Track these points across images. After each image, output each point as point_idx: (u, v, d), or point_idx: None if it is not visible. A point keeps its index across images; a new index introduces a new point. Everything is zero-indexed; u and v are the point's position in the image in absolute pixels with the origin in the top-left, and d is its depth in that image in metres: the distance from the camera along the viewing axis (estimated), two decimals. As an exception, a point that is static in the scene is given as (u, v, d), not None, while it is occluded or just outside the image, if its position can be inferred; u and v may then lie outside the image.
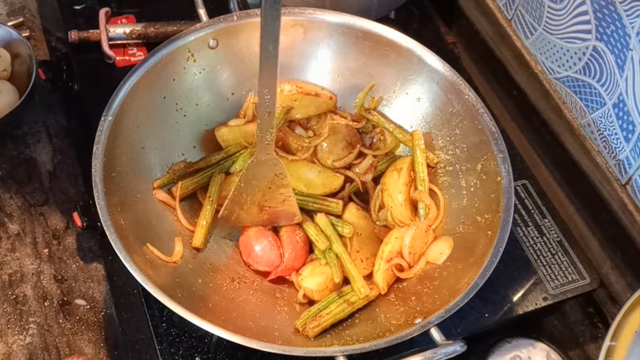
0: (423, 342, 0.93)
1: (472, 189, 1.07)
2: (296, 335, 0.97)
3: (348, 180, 1.13)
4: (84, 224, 1.10)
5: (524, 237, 1.13)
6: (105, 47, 1.24)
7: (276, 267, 1.03)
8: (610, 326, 0.98)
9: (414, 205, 1.10)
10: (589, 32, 1.11)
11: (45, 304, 1.13)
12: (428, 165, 1.11)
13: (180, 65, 1.10)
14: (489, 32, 1.38)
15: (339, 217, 1.07)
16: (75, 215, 1.11)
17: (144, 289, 0.89)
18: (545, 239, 1.13)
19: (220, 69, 1.14)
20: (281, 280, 1.04)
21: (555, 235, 1.14)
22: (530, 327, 1.11)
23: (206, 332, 0.87)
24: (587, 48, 1.13)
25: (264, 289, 1.03)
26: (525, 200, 1.17)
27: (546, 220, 1.15)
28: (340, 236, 1.04)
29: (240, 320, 0.96)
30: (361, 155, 1.15)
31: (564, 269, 1.10)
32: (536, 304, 1.07)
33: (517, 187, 1.17)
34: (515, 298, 1.08)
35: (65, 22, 1.30)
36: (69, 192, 1.25)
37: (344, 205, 1.09)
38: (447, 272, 1.01)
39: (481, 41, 1.40)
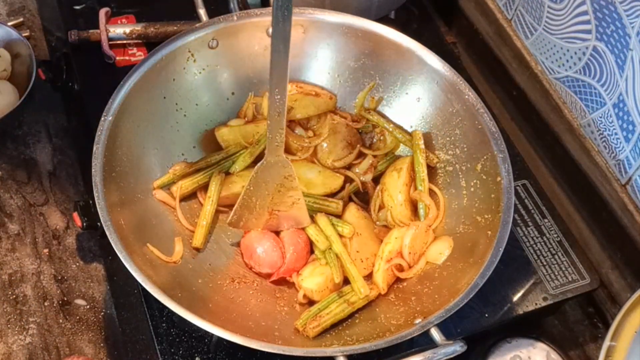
0: (423, 342, 0.93)
1: (472, 189, 1.07)
2: (296, 335, 0.97)
3: (348, 180, 1.13)
4: (84, 224, 1.10)
5: (524, 237, 1.13)
6: (105, 47, 1.24)
7: (278, 268, 1.03)
8: (610, 326, 0.98)
9: (413, 205, 1.10)
10: (589, 32, 1.11)
11: (45, 304, 1.13)
12: (428, 165, 1.11)
13: (180, 65, 1.10)
14: (489, 32, 1.38)
15: (339, 217, 1.07)
16: (75, 215, 1.11)
17: (144, 289, 0.89)
18: (545, 239, 1.13)
19: (220, 69, 1.14)
20: (281, 281, 1.04)
21: (555, 235, 1.14)
22: (530, 327, 1.11)
23: (206, 332, 0.87)
24: (587, 48, 1.13)
25: (264, 289, 1.03)
26: (525, 200, 1.17)
27: (546, 220, 1.15)
28: (340, 236, 1.04)
29: (240, 320, 0.96)
30: (361, 155, 1.15)
31: (564, 269, 1.10)
32: (536, 304, 1.07)
33: (517, 187, 1.17)
34: (515, 298, 1.08)
35: (65, 22, 1.30)
36: (69, 192, 1.25)
37: (344, 205, 1.09)
38: (447, 272, 1.01)
39: (481, 41, 1.40)
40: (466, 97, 1.09)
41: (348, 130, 1.15)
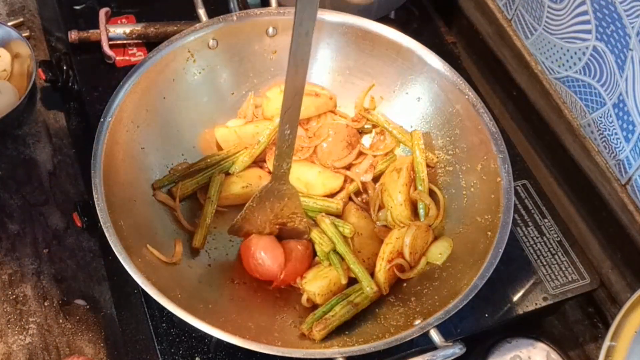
0: (422, 343, 0.93)
1: (472, 189, 1.07)
2: (295, 336, 0.97)
3: (348, 180, 1.13)
4: (84, 224, 1.10)
5: (524, 237, 1.13)
6: (105, 47, 1.24)
7: (276, 277, 1.02)
8: (610, 326, 0.98)
9: (413, 205, 1.10)
10: (589, 32, 1.11)
11: (45, 304, 1.13)
12: (428, 165, 1.11)
13: (180, 65, 1.10)
14: (489, 32, 1.38)
15: (339, 217, 1.07)
16: (75, 215, 1.11)
17: (144, 290, 0.89)
18: (545, 239, 1.13)
19: (220, 69, 1.14)
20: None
21: (555, 235, 1.13)
22: (530, 327, 1.11)
23: (206, 333, 0.87)
24: (587, 48, 1.13)
25: (264, 290, 1.03)
26: (525, 200, 1.17)
27: (546, 220, 1.15)
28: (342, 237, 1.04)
29: (239, 321, 0.96)
30: (361, 155, 1.15)
31: (564, 269, 1.10)
32: (536, 304, 1.07)
33: (517, 187, 1.17)
34: (515, 298, 1.08)
35: (65, 22, 1.30)
36: (69, 192, 1.25)
37: (344, 206, 1.09)
38: (447, 272, 1.01)
39: (481, 41, 1.40)
40: (466, 97, 1.09)
41: (348, 130, 1.15)
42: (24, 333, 1.10)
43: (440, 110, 1.13)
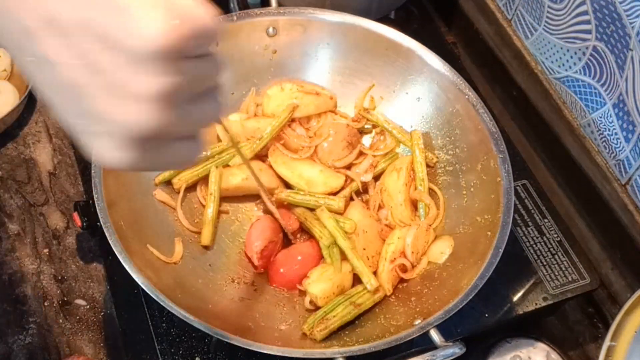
0: (422, 343, 0.93)
1: (472, 189, 1.07)
2: (297, 337, 0.97)
3: (348, 180, 1.13)
4: (84, 224, 1.10)
5: (524, 237, 1.13)
6: (105, 47, 1.24)
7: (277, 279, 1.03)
8: (610, 326, 0.98)
9: (413, 205, 1.10)
10: (589, 32, 1.11)
11: (45, 304, 1.13)
12: (427, 165, 1.11)
13: (180, 66, 1.10)
14: (489, 32, 1.38)
15: (341, 214, 1.07)
16: (75, 215, 1.11)
17: (144, 289, 0.89)
18: (545, 239, 1.13)
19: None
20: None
21: (555, 235, 1.13)
22: (530, 327, 1.11)
23: (206, 333, 0.87)
24: (587, 48, 1.13)
25: (264, 289, 1.03)
26: (525, 200, 1.17)
27: (546, 220, 1.15)
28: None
29: (240, 321, 0.96)
30: (361, 154, 1.15)
31: (564, 269, 1.10)
32: (536, 304, 1.07)
33: (517, 187, 1.17)
34: (515, 298, 1.08)
35: (65, 22, 1.30)
36: (69, 192, 1.25)
37: (347, 204, 1.09)
38: (447, 272, 1.01)
39: (481, 41, 1.40)
40: (466, 97, 1.09)
41: (348, 130, 1.15)
42: (24, 333, 1.10)
43: (440, 110, 1.13)
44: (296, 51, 1.16)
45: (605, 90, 1.11)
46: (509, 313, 1.06)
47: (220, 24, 0.57)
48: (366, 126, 1.18)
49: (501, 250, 0.95)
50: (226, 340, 0.87)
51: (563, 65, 1.20)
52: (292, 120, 1.15)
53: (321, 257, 1.04)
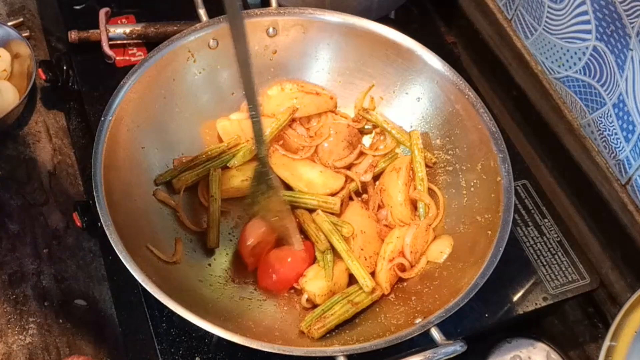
0: (423, 342, 0.92)
1: (472, 189, 1.07)
2: (296, 334, 0.97)
3: (348, 179, 1.13)
4: (84, 224, 1.10)
5: (524, 237, 1.13)
6: (105, 47, 1.24)
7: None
8: (610, 326, 0.98)
9: (413, 205, 1.10)
10: (589, 32, 1.11)
11: (45, 304, 1.13)
12: (427, 165, 1.11)
13: (180, 65, 1.10)
14: (489, 32, 1.38)
15: (338, 215, 1.07)
16: (75, 215, 1.11)
17: (144, 289, 0.89)
18: (545, 239, 1.13)
19: (220, 69, 1.14)
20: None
21: (555, 235, 1.13)
22: (530, 327, 1.11)
23: (206, 332, 0.87)
24: (587, 48, 1.13)
25: (264, 289, 1.03)
26: (525, 200, 1.17)
27: (546, 220, 1.15)
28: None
29: (240, 319, 0.96)
30: (361, 155, 1.15)
31: (564, 269, 1.10)
32: (536, 304, 1.07)
33: (517, 187, 1.17)
34: (515, 298, 1.08)
35: (65, 22, 1.30)
36: (69, 192, 1.25)
37: (347, 205, 1.09)
38: (447, 271, 1.01)
39: (481, 41, 1.40)
40: (466, 97, 1.09)
41: (349, 130, 1.15)
42: (24, 333, 1.10)
43: (440, 110, 1.13)
44: (296, 51, 1.16)
45: (605, 90, 1.11)
46: (509, 313, 1.06)
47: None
48: (366, 126, 1.18)
49: (502, 249, 0.95)
50: (227, 338, 0.87)
51: (563, 65, 1.20)
52: (293, 120, 1.16)
53: (314, 259, 1.05)
